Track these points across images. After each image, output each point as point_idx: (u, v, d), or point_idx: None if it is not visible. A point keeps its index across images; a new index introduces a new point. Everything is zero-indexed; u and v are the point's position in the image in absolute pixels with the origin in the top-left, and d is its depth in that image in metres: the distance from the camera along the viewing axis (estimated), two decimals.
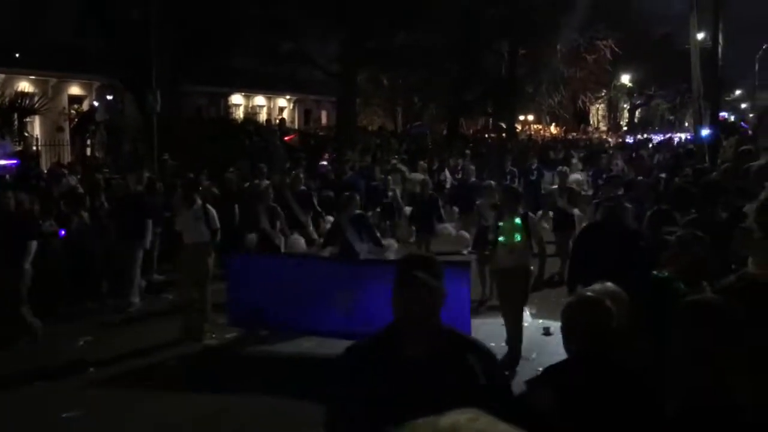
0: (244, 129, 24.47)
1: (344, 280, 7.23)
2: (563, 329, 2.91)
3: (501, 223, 7.43)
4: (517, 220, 7.34)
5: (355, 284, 7.08)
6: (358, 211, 9.04)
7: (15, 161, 14.16)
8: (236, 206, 11.33)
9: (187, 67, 21.18)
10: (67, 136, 22.94)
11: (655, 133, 45.25)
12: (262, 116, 32.70)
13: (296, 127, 33.03)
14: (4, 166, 13.24)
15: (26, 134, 19.24)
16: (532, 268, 7.51)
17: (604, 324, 2.80)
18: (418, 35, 27.17)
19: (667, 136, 34.34)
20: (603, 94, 45.71)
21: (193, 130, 21.37)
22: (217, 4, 21.06)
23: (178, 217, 9.30)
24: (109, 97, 24.52)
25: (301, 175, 14.47)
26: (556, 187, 12.63)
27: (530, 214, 7.67)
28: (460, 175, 17.04)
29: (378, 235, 9.28)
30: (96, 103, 25.10)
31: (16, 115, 18.28)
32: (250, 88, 32.66)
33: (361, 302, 6.84)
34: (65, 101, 24.75)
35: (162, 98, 17.07)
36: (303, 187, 13.55)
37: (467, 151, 23.56)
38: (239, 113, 30.98)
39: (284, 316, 7.48)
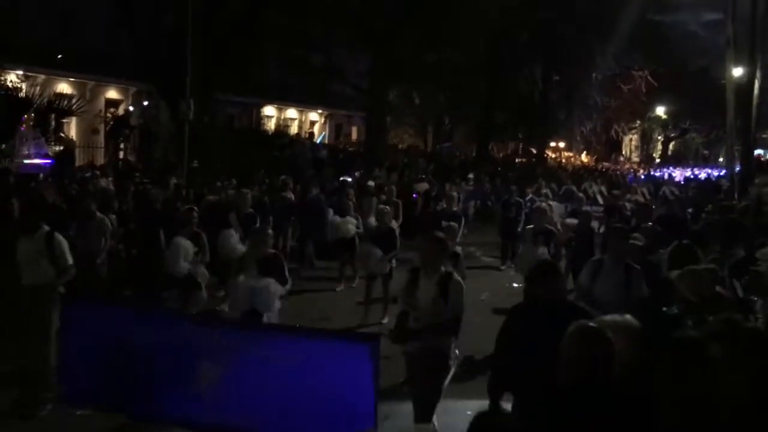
0: (274, 140, 24.76)
1: (213, 350, 4.55)
2: (561, 358, 2.92)
3: (414, 287, 5.42)
4: (437, 283, 5.36)
5: (225, 357, 4.47)
6: (271, 250, 7.12)
7: (50, 161, 14.48)
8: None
9: (220, 77, 21.53)
10: (101, 138, 23.41)
11: (689, 166, 44.66)
12: (293, 129, 33.02)
13: (326, 141, 33.27)
14: (39, 165, 13.54)
15: (62, 135, 19.65)
16: (456, 352, 5.49)
17: (602, 355, 2.81)
18: (448, 53, 27.29)
19: (697, 172, 33.83)
20: (637, 124, 45.35)
21: (224, 139, 21.70)
22: (246, 14, 21.40)
23: (18, 246, 6.80)
24: (145, 103, 24.97)
25: (249, 195, 11.62)
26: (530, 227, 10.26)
27: (454, 275, 5.55)
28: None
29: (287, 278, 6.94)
30: (131, 108, 25.59)
31: (53, 116, 18.74)
32: (282, 100, 33.02)
33: (225, 382, 4.47)
34: (102, 104, 25.29)
35: (195, 106, 17.35)
36: (250, 210, 11.00)
37: (470, 175, 23.06)
38: (271, 125, 31.33)
39: (124, 397, 4.84)
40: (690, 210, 12.63)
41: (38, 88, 19.62)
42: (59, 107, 18.96)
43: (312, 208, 13.31)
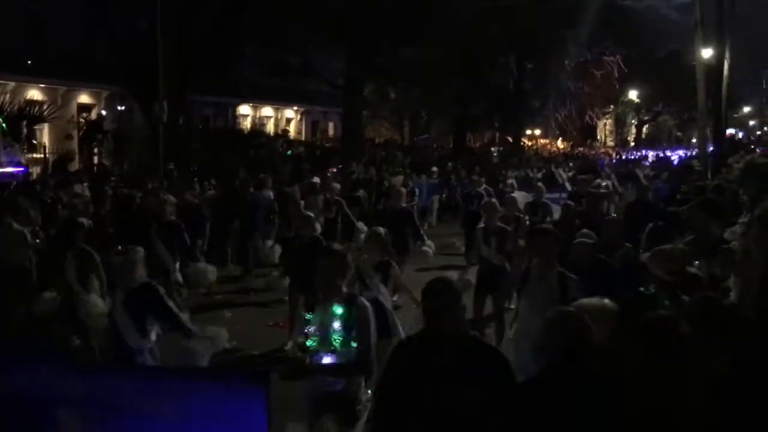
0: (250, 139, 24.66)
1: (73, 396, 3.66)
2: (540, 343, 2.96)
3: (309, 315, 4.49)
4: (337, 308, 4.37)
5: (88, 404, 3.61)
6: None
7: (23, 169, 14.30)
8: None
9: (194, 78, 21.38)
10: (75, 144, 23.14)
11: (663, 149, 45.22)
12: (270, 127, 32.88)
13: (303, 138, 33.19)
14: (11, 174, 13.37)
15: (34, 142, 19.40)
16: (369, 393, 4.41)
17: (580, 339, 2.85)
18: (423, 50, 27.34)
19: (666, 153, 34.18)
20: (610, 109, 45.75)
21: (200, 140, 21.57)
22: (223, 16, 21.27)
23: None
24: (120, 108, 24.73)
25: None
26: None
27: (359, 299, 4.52)
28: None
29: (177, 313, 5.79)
30: (104, 112, 25.32)
31: (24, 123, 18.49)
32: (257, 98, 32.86)
33: None
34: (74, 110, 24.97)
35: (169, 108, 17.26)
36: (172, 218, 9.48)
37: (435, 168, 21.60)
38: (246, 124, 31.17)
39: None
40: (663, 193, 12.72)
41: (8, 95, 19.36)
42: (30, 114, 18.71)
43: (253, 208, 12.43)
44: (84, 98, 25.90)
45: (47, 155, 20.30)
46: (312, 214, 9.23)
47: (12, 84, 22.23)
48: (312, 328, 4.44)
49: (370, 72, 26.49)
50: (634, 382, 2.61)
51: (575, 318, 2.96)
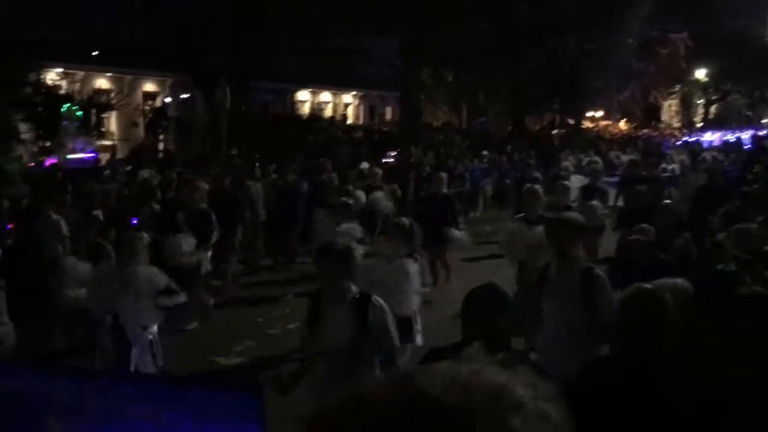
0: (309, 125, 24.91)
1: (59, 403, 3.44)
2: (618, 321, 2.93)
3: (316, 317, 4.09)
4: (347, 312, 3.97)
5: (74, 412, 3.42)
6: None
7: (93, 155, 14.85)
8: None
9: (253, 65, 21.70)
10: (141, 131, 23.86)
11: (732, 129, 43.58)
12: (328, 112, 33.12)
13: (360, 123, 33.32)
14: (83, 159, 13.91)
15: (103, 129, 20.10)
16: None
17: (658, 315, 2.80)
18: (478, 32, 27.00)
19: (737, 136, 32.82)
20: (676, 89, 44.30)
21: (260, 126, 21.93)
22: (280, 1, 21.48)
23: None
24: (184, 95, 25.33)
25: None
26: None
27: (374, 298, 4.04)
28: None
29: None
30: (169, 100, 25.98)
31: (94, 111, 19.17)
32: (315, 84, 33.10)
33: None
34: (140, 98, 25.72)
35: (230, 94, 17.59)
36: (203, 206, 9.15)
37: (485, 152, 20.99)
38: (305, 109, 31.47)
39: None
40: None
41: (78, 84, 20.08)
42: (99, 102, 19.39)
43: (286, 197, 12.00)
44: (149, 86, 26.63)
45: (115, 142, 21.00)
46: (350, 202, 8.98)
47: (81, 74, 23.03)
48: (321, 334, 3.94)
49: (426, 55, 26.33)
50: (712, 359, 2.56)
51: (653, 294, 2.91)
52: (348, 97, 36.72)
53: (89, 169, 13.43)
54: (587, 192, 10.44)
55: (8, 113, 16.18)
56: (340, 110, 34.54)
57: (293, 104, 31.32)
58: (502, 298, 3.10)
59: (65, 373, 3.60)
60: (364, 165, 15.46)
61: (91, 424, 3.25)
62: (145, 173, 13.88)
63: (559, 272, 4.68)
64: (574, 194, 10.46)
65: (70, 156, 13.90)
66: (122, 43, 23.59)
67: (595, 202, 9.82)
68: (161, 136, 21.55)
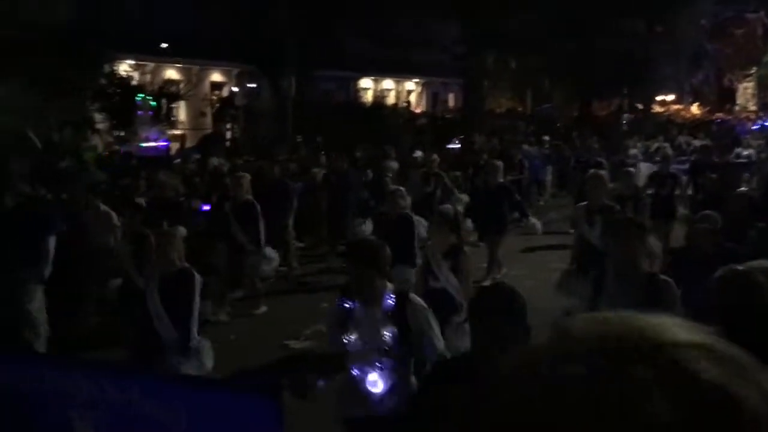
0: (371, 112, 24.97)
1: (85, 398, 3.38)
2: (709, 304, 2.82)
3: (350, 317, 3.72)
4: (383, 312, 3.64)
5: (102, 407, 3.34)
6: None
7: (165, 143, 15.27)
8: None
9: (317, 53, 21.86)
10: (209, 121, 24.39)
11: None
12: (390, 100, 33.11)
13: (424, 110, 33.21)
14: (156, 148, 14.32)
15: (173, 119, 20.64)
16: None
17: (754, 297, 2.68)
18: (545, 14, 26.44)
19: None
20: (753, 71, 42.42)
21: (324, 114, 22.11)
22: None
23: None
24: (250, 85, 25.76)
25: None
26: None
27: (411, 296, 3.77)
28: None
29: None
30: (235, 89, 26.46)
31: (164, 101, 19.70)
32: (378, 72, 33.11)
33: None
34: (207, 88, 26.27)
35: (295, 83, 17.82)
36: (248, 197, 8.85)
37: (546, 138, 20.07)
38: (367, 97, 31.54)
39: None
40: None
41: (149, 76, 20.65)
42: (169, 93, 19.90)
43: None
44: (216, 77, 27.17)
45: (185, 131, 21.54)
46: (400, 189, 8.59)
47: (151, 65, 23.66)
48: (354, 335, 3.61)
49: (490, 40, 25.96)
50: None
51: (748, 276, 2.79)
52: (410, 85, 36.61)
53: (162, 157, 13.82)
54: (657, 179, 9.99)
55: (84, 104, 16.78)
56: (403, 97, 34.48)
57: (356, 92, 31.44)
58: (511, 303, 2.59)
59: (86, 369, 3.53)
60: (418, 153, 15.33)
61: (118, 419, 3.22)
62: (214, 161, 14.19)
63: (619, 281, 3.92)
64: (642, 182, 10.18)
65: (143, 144, 14.37)
66: (190, 34, 24.14)
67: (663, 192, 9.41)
68: (229, 125, 21.99)
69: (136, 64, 20.88)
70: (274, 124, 20.15)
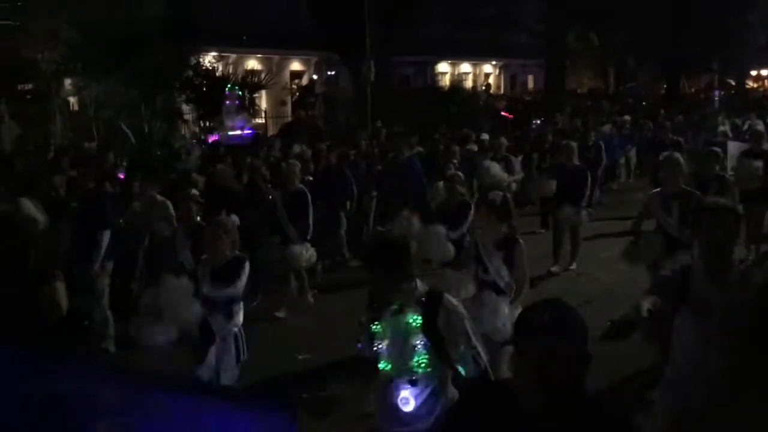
0: (450, 96, 24.80)
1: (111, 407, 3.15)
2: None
3: (375, 326, 3.33)
4: (412, 319, 3.20)
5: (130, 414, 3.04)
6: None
7: (251, 132, 15.64)
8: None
9: (395, 38, 21.84)
10: (289, 109, 24.81)
11: None
12: (468, 83, 32.80)
13: (502, 93, 32.75)
14: (241, 136, 14.67)
15: (256, 108, 21.09)
16: None
17: None
18: None
19: None
20: None
21: (403, 99, 22.11)
22: None
23: None
24: (329, 72, 26.06)
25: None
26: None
27: (445, 298, 3.29)
28: None
29: None
30: (315, 77, 26.80)
31: (246, 91, 20.13)
32: (455, 55, 32.86)
33: None
34: (287, 77, 26.74)
35: (375, 69, 17.86)
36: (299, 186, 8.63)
37: (627, 117, 18.64)
38: (445, 81, 31.34)
39: None
40: None
41: (231, 66, 21.14)
42: (251, 82, 20.31)
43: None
44: (295, 66, 27.62)
45: (267, 120, 21.98)
46: (458, 174, 8.49)
47: (233, 56, 24.21)
48: (382, 345, 3.25)
49: (572, 16, 25.24)
50: None
51: None
52: (488, 67, 36.16)
53: (248, 145, 14.15)
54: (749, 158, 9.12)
55: (173, 96, 17.36)
56: (481, 81, 34.10)
57: (434, 77, 31.28)
58: (567, 323, 2.04)
59: (122, 376, 3.19)
60: (485, 136, 14.88)
61: (144, 427, 2.92)
62: (297, 148, 14.42)
63: (709, 280, 3.32)
64: (731, 163, 9.44)
65: (230, 133, 14.77)
66: (269, 24, 24.59)
67: (758, 163, 8.53)
68: (309, 112, 22.28)
69: (219, 56, 21.39)
70: (353, 110, 20.29)
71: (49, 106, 16.28)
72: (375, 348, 3.27)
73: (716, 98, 29.65)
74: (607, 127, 17.26)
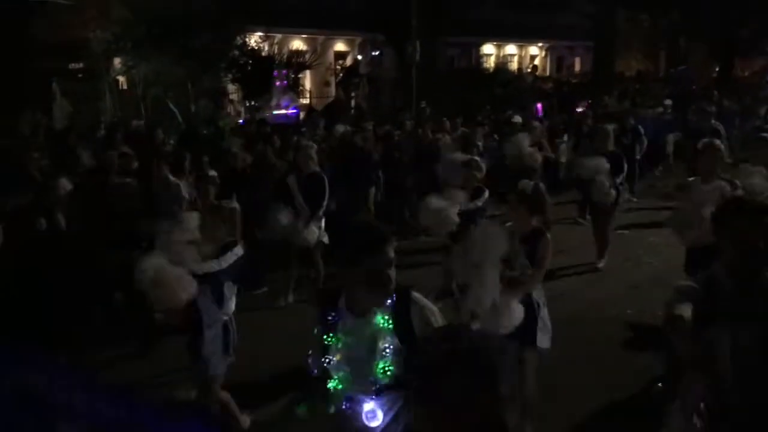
0: (495, 77, 24.50)
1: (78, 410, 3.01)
2: None
3: (330, 337, 2.84)
4: (383, 320, 2.75)
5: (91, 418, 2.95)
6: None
7: (295, 111, 15.71)
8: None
9: (441, 19, 21.64)
10: (332, 90, 24.83)
11: None
12: (513, 65, 32.36)
13: (548, 74, 32.23)
14: (286, 115, 14.76)
15: (300, 88, 21.17)
16: None
17: None
18: None
19: None
20: None
21: (448, 80, 21.93)
22: None
23: None
24: (373, 53, 25.95)
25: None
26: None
27: (417, 297, 2.82)
28: None
29: None
30: (359, 57, 26.74)
31: (291, 71, 20.21)
32: (500, 37, 32.42)
33: None
34: (331, 57, 26.71)
35: (420, 49, 17.75)
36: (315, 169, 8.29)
37: (667, 101, 17.57)
38: (490, 63, 30.97)
39: None
40: None
41: (276, 46, 21.21)
42: (296, 62, 20.38)
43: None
44: (339, 46, 27.57)
45: (311, 100, 22.04)
46: (476, 159, 8.01)
47: (279, 36, 24.27)
48: (333, 359, 2.81)
49: None
50: None
51: None
52: (534, 49, 35.60)
53: (293, 124, 14.24)
54: None
55: (219, 75, 17.53)
56: (526, 63, 33.61)
57: (479, 58, 30.93)
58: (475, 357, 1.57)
59: (84, 380, 3.12)
60: (517, 119, 14.35)
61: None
62: (340, 128, 14.45)
63: (740, 286, 2.93)
64: None
65: (275, 112, 14.88)
66: (314, 2, 24.56)
67: None
68: (353, 93, 22.29)
69: (265, 36, 21.49)
70: (397, 90, 20.23)
71: (99, 85, 16.61)
72: (325, 362, 2.80)
73: None
74: (657, 111, 16.73)
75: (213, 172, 6.95)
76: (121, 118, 15.60)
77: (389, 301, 2.74)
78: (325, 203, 7.86)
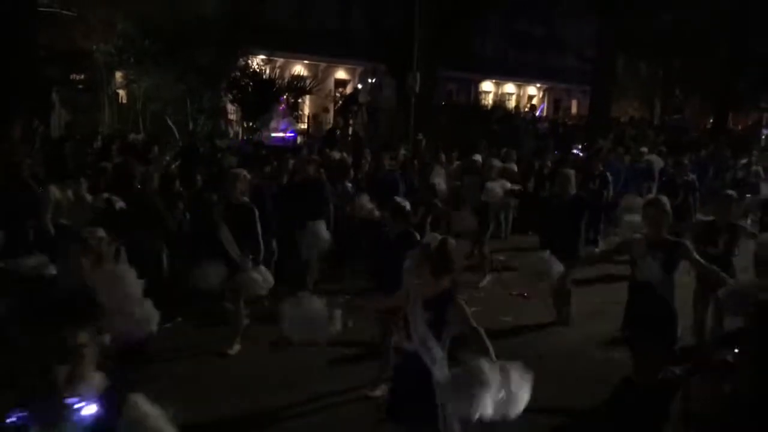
0: (492, 114, 24.74)
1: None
2: None
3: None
4: None
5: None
6: None
7: (293, 135, 15.77)
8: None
9: (442, 52, 21.88)
10: (331, 116, 24.97)
11: None
12: (511, 103, 32.72)
13: (545, 115, 32.57)
14: (284, 138, 14.80)
15: (299, 113, 21.26)
16: None
17: None
18: (685, 14, 25.11)
19: None
20: None
21: (445, 113, 22.11)
22: None
23: None
24: (371, 81, 26.18)
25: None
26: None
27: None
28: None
29: None
30: (360, 86, 26.98)
31: (291, 95, 20.32)
32: (500, 75, 32.83)
33: None
34: (332, 84, 26.95)
35: (420, 80, 17.92)
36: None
37: (644, 149, 16.22)
38: (488, 100, 31.30)
39: None
40: None
41: (278, 70, 21.36)
42: (297, 87, 20.50)
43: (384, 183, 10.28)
44: (340, 74, 27.87)
45: (309, 125, 22.13)
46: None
47: (281, 60, 24.48)
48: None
49: (623, 42, 24.98)
50: None
51: None
52: (532, 89, 36.03)
53: (289, 148, 14.27)
54: None
55: (219, 95, 17.61)
56: (524, 102, 33.99)
57: (477, 94, 31.27)
58: None
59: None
60: (477, 157, 13.64)
61: None
62: (337, 154, 14.48)
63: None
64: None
65: (273, 135, 14.92)
66: (318, 30, 24.84)
67: None
68: (351, 121, 22.42)
69: (267, 59, 21.68)
70: (395, 120, 20.34)
71: (99, 97, 16.64)
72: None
73: (763, 136, 29.07)
74: (652, 156, 16.54)
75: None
76: (118, 131, 15.61)
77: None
78: (261, 243, 6.82)
